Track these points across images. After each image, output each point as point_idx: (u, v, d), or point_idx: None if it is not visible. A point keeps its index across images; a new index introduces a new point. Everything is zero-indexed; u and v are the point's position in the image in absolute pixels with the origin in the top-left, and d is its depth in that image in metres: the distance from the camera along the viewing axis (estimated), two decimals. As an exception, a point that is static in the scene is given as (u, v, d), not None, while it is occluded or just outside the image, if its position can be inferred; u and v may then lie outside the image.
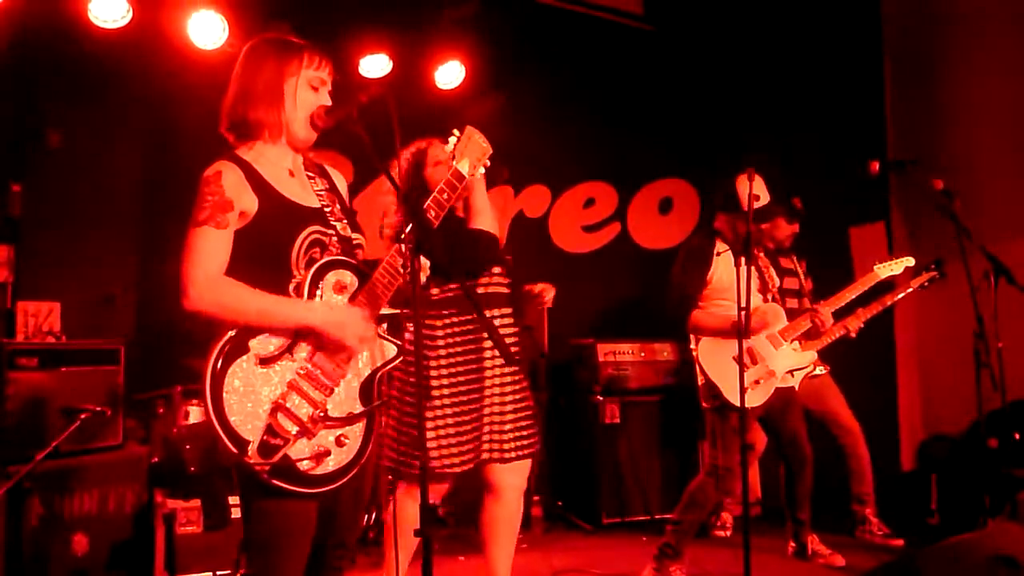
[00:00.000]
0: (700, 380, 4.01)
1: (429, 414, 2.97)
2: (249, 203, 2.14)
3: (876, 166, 4.02)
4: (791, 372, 4.07)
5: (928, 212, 3.97)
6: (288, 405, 2.05)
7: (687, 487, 3.98)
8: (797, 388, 4.14)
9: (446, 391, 3.02)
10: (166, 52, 4.74)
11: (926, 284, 4.32)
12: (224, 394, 1.98)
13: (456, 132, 2.60)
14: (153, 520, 3.66)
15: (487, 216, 3.07)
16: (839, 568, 4.18)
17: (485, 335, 3.01)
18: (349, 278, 2.21)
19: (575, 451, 5.49)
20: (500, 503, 3.19)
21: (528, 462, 3.20)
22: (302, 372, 2.10)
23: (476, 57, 5.58)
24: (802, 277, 4.68)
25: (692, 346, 4.05)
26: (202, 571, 3.69)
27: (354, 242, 2.29)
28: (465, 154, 2.52)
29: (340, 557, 2.30)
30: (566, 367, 5.61)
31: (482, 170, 2.60)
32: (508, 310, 3.15)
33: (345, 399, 2.15)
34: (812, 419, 4.45)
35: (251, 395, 2.02)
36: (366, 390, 2.20)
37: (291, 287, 2.16)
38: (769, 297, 4.14)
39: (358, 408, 2.17)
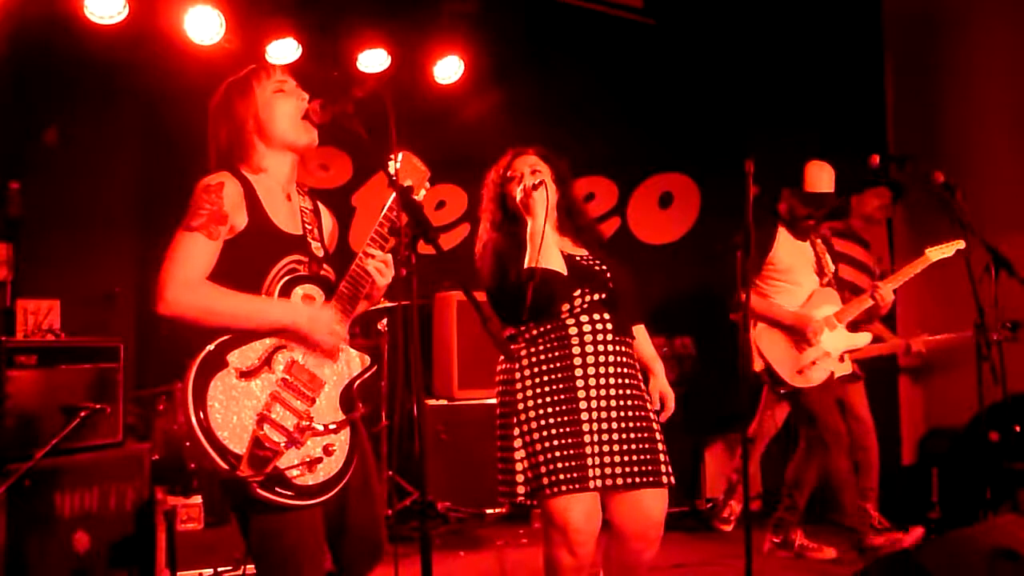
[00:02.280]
0: (759, 365, 4.04)
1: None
2: (240, 220, 2.16)
3: (876, 159, 4.02)
4: (847, 352, 4.12)
5: (930, 205, 3.97)
6: (273, 416, 2.05)
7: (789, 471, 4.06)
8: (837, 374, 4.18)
9: (533, 412, 2.68)
10: (163, 48, 4.72)
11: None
12: (209, 409, 1.97)
13: (393, 158, 2.35)
14: (154, 517, 3.66)
15: (544, 252, 2.69)
16: (835, 561, 4.17)
17: (574, 344, 2.72)
18: (316, 292, 2.22)
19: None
20: (614, 541, 2.81)
21: (654, 492, 2.70)
22: (282, 383, 2.10)
23: (475, 52, 5.57)
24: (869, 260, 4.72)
25: (752, 330, 4.07)
26: (204, 568, 3.69)
27: (324, 267, 2.32)
28: (406, 179, 2.34)
29: (374, 553, 2.32)
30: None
31: (423, 192, 2.39)
32: (606, 315, 2.80)
33: (327, 408, 2.16)
34: None
35: (235, 409, 2.01)
36: (346, 399, 2.21)
37: None
38: (824, 281, 4.19)
39: (340, 417, 2.18)
